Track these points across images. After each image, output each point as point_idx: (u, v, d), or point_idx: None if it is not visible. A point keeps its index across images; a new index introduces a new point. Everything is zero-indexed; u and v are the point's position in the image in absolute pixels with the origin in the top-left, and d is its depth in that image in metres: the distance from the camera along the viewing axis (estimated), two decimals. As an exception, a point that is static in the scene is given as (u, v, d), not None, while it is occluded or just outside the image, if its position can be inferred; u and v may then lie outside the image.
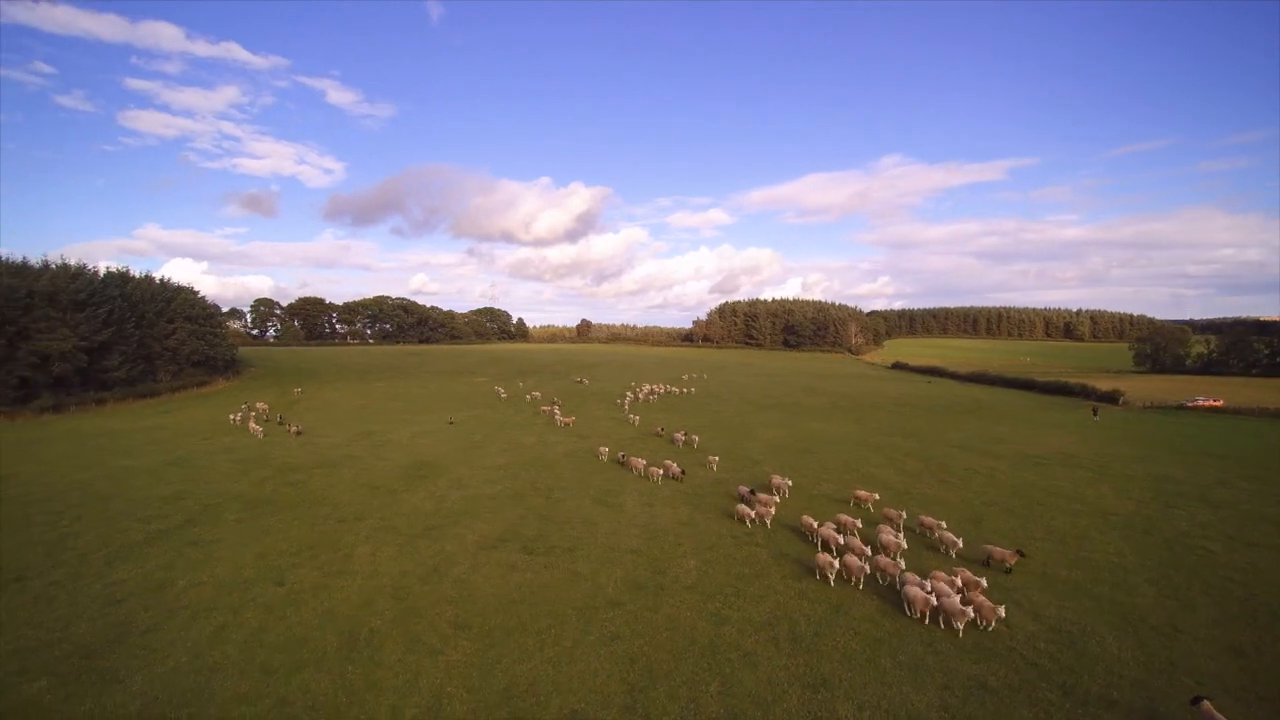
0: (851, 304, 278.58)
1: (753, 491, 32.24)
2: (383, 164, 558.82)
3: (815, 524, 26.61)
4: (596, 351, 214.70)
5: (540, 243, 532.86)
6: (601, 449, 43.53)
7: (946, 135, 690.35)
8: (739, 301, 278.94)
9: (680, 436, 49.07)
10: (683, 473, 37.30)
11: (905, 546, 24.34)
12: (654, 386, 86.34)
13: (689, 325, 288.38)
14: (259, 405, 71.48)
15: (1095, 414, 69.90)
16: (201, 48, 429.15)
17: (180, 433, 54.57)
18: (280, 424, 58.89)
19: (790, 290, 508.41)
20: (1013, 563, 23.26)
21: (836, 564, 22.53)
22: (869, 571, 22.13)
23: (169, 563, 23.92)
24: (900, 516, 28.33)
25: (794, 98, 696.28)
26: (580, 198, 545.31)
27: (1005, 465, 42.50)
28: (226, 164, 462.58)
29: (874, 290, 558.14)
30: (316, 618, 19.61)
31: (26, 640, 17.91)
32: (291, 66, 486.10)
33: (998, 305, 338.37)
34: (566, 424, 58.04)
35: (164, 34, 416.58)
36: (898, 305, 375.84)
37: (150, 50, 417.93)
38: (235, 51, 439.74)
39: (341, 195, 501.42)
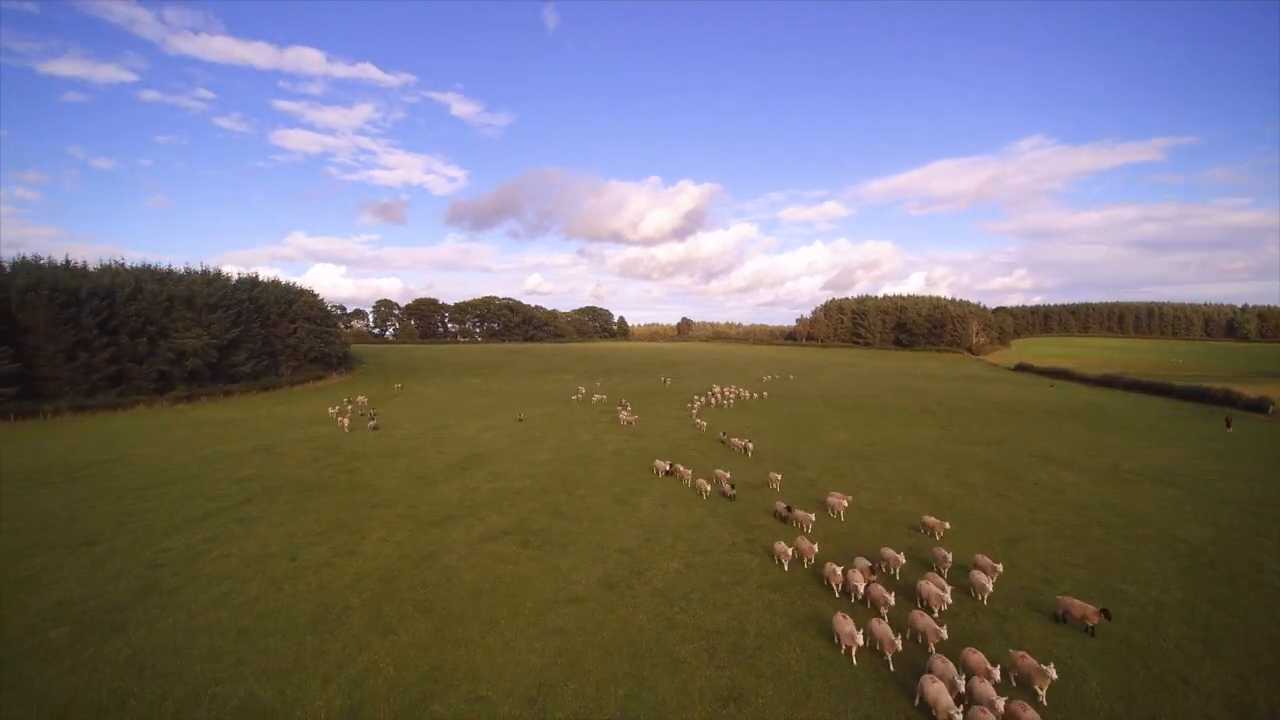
0: (983, 300, 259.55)
1: (789, 508, 29.57)
2: (500, 170, 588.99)
3: (839, 571, 21.69)
4: (692, 350, 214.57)
5: (648, 242, 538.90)
6: (658, 463, 39.76)
7: (1093, 112, 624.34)
8: (846, 298, 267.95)
9: (739, 442, 47.18)
10: (733, 491, 33.32)
11: (950, 602, 19.88)
12: (725, 389, 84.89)
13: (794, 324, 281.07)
14: (359, 399, 77.99)
15: (1228, 425, 60.79)
16: (340, 69, 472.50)
17: (283, 422, 60.63)
18: (361, 416, 63.76)
19: (913, 285, 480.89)
20: (1094, 623, 18.59)
21: (859, 637, 17.09)
22: (900, 648, 17.16)
23: (213, 536, 26.91)
24: (946, 560, 23.37)
25: (917, 81, 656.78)
26: (688, 195, 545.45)
27: (1085, 480, 38.18)
28: (363, 176, 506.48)
29: (1008, 284, 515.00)
30: (307, 591, 21.38)
31: (71, 594, 20.94)
32: (420, 83, 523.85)
33: (1149, 300, 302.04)
34: (630, 423, 58.65)
35: (308, 58, 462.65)
36: (1035, 300, 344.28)
37: (296, 74, 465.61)
38: (370, 71, 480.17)
39: (462, 201, 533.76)
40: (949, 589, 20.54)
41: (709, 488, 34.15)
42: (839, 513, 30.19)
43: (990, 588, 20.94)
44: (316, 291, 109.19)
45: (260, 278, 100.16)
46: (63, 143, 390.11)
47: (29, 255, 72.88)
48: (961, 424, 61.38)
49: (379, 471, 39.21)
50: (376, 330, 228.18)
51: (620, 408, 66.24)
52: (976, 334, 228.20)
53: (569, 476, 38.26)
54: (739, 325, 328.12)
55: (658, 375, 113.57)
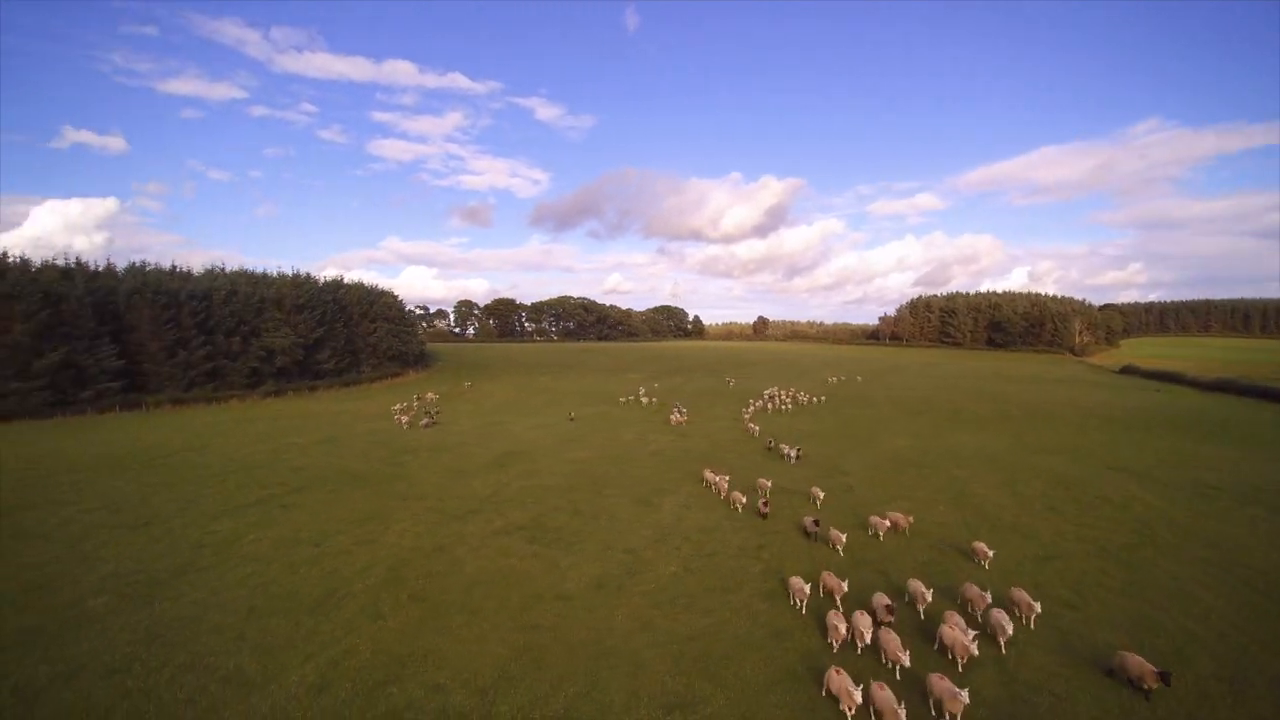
0: (1093, 296, 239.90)
1: (817, 523, 27.31)
2: (582, 172, 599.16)
3: (840, 628, 17.87)
4: (766, 350, 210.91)
5: (729, 239, 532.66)
6: (706, 472, 36.99)
7: (1216, 92, 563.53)
8: (934, 296, 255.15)
9: (787, 449, 44.50)
10: (767, 509, 30.24)
11: (975, 653, 16.97)
12: (785, 391, 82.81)
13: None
14: (428, 395, 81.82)
15: (1356, 438, 53.64)
16: (431, 80, 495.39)
17: (355, 417, 64.52)
18: (426, 412, 66.68)
19: (1015, 281, 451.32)
20: (1153, 686, 15.81)
21: (857, 695, 14.82)
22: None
23: (256, 521, 29.14)
24: (984, 599, 19.88)
25: (1018, 62, 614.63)
26: (771, 191, 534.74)
27: (1156, 494, 34.86)
28: (452, 181, 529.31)
29: (1122, 279, 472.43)
30: (319, 576, 22.82)
31: (120, 568, 23.32)
32: (506, 89, 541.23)
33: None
34: (680, 424, 58.49)
35: (401, 70, 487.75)
36: (1151, 297, 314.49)
37: (391, 86, 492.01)
38: (459, 81, 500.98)
39: (545, 203, 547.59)
40: (972, 634, 17.36)
41: (744, 500, 31.50)
42: (879, 533, 27.42)
43: (1011, 631, 17.86)
44: (397, 293, 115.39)
45: (345, 280, 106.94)
46: (182, 156, 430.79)
47: (138, 261, 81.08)
48: (1038, 431, 57.37)
49: (422, 465, 41.09)
50: (457, 329, 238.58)
51: (674, 409, 66.12)
52: (1080, 333, 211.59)
53: (601, 475, 38.73)
54: (820, 324, 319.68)
55: (723, 375, 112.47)
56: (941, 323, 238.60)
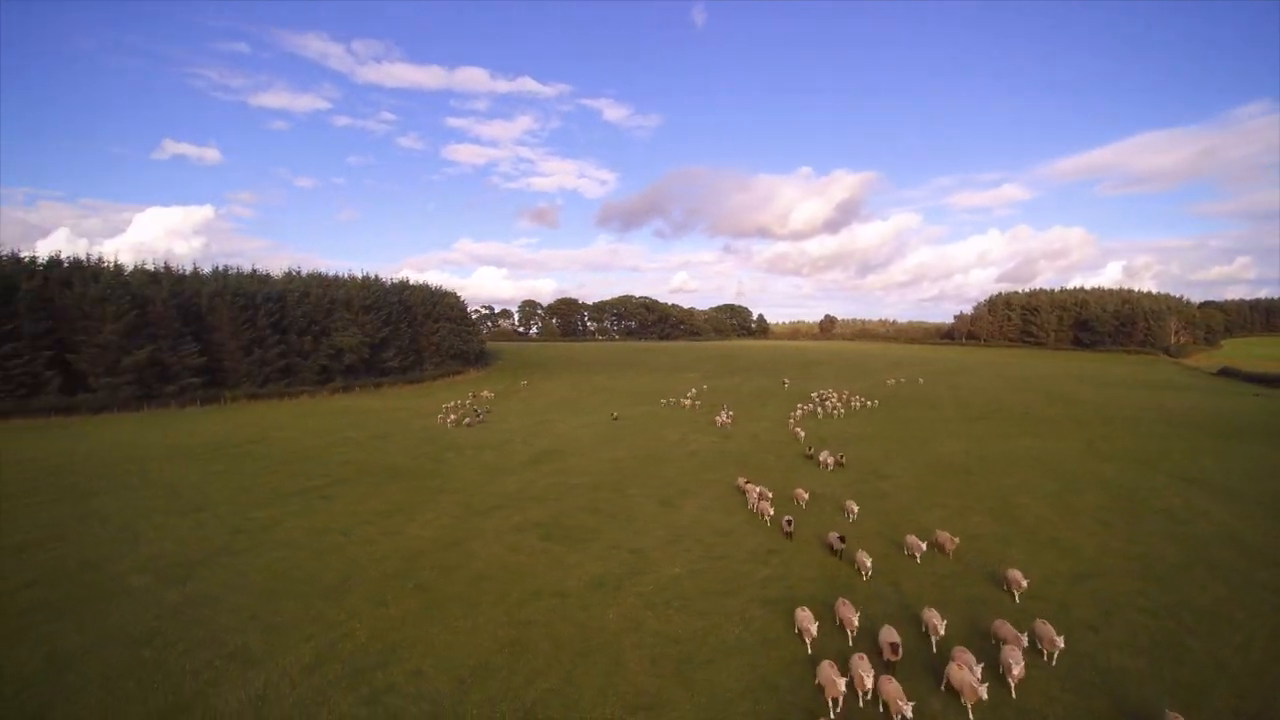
0: (1196, 293, 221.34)
1: (843, 539, 25.01)
2: (649, 170, 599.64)
3: (838, 682, 15.10)
4: (830, 349, 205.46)
5: (797, 236, 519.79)
6: (740, 480, 35.70)
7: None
8: (1015, 292, 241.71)
9: (827, 457, 41.93)
10: (790, 527, 27.33)
11: (985, 697, 14.97)
12: (840, 394, 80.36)
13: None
14: (484, 393, 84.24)
15: None
16: (502, 85, 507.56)
17: (412, 413, 67.24)
18: (474, 411, 68.55)
19: (1109, 277, 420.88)
20: None
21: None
22: None
23: (295, 510, 30.89)
24: (1020, 642, 17.04)
25: (1111, 41, 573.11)
26: (842, 185, 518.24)
27: (1227, 509, 31.86)
28: (522, 184, 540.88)
29: (1229, 274, 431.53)
30: (339, 563, 23.97)
31: (164, 549, 25.29)
32: (574, 91, 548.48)
33: None
34: (726, 424, 57.74)
35: (474, 77, 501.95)
36: (1261, 293, 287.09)
37: (464, 92, 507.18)
38: (529, 84, 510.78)
39: (611, 203, 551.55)
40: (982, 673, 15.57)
41: (771, 511, 29.55)
42: (915, 555, 24.75)
43: (1020, 673, 15.70)
44: (469, 293, 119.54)
45: (411, 281, 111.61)
46: (270, 165, 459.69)
47: (229, 265, 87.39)
48: (1110, 437, 53.49)
49: (462, 462, 42.39)
50: (521, 329, 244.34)
51: (721, 410, 65.33)
52: (1175, 333, 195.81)
53: (631, 474, 38.90)
54: (892, 322, 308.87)
55: (781, 376, 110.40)
56: (1023, 321, 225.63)
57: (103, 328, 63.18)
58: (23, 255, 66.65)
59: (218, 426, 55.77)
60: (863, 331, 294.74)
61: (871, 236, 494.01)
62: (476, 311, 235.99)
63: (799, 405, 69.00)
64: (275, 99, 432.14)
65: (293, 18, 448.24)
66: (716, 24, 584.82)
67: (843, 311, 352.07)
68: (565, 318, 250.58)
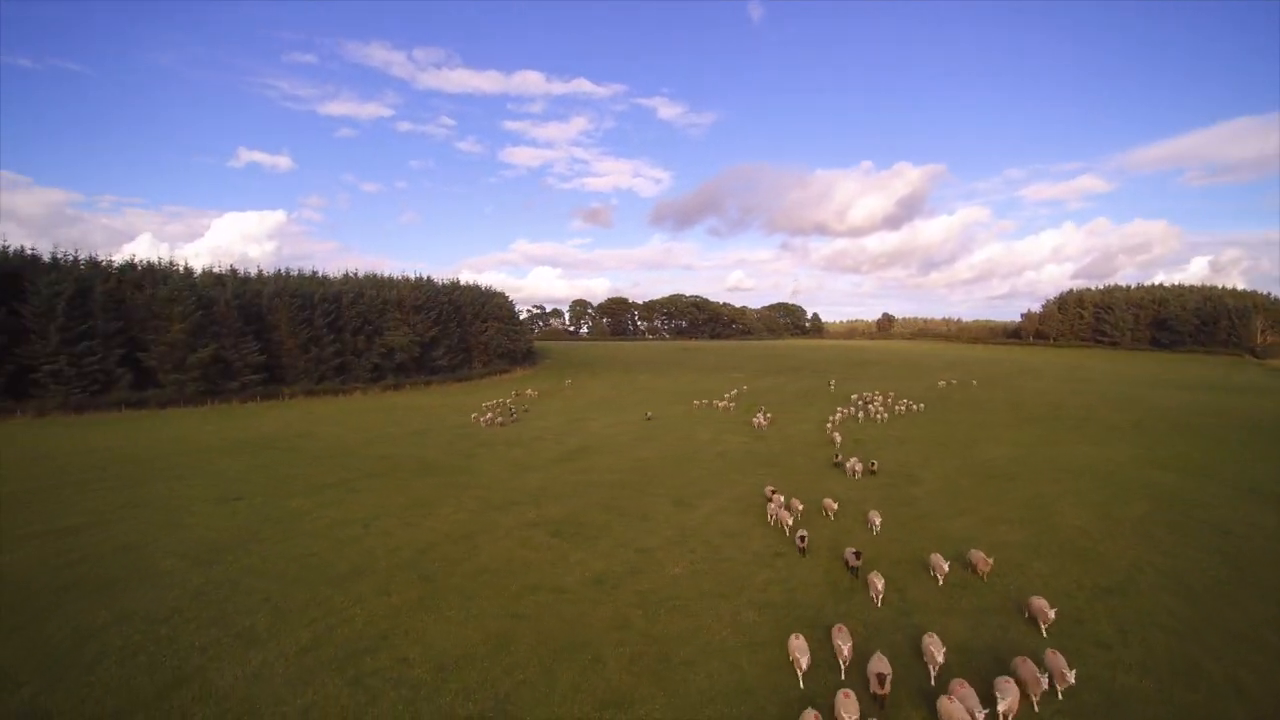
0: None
1: (859, 555, 23.11)
2: (704, 168, 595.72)
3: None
4: (885, 349, 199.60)
5: (857, 232, 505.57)
6: (768, 488, 32.94)
7: None
8: (1087, 289, 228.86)
9: (855, 465, 39.19)
10: (804, 543, 25.10)
11: None
12: (885, 396, 77.93)
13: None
14: (528, 391, 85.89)
15: None
16: (558, 87, 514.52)
17: (454, 410, 69.22)
18: (510, 410, 69.74)
19: (1195, 272, 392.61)
20: None
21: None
22: None
23: (326, 501, 32.33)
24: (1040, 684, 15.09)
25: (1197, 19, 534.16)
26: (905, 180, 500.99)
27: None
28: (576, 184, 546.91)
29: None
30: (355, 553, 24.96)
31: (197, 536, 26.94)
32: (629, 91, 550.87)
33: None
34: (762, 425, 57.00)
35: (530, 80, 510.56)
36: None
37: (520, 95, 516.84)
38: (583, 86, 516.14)
39: (665, 201, 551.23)
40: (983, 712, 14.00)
41: (790, 521, 28.05)
42: (940, 576, 22.45)
43: (1005, 708, 14.36)
44: (525, 293, 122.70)
45: (461, 282, 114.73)
46: (338, 171, 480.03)
47: (299, 267, 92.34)
48: (1176, 443, 50.02)
49: (492, 458, 43.37)
50: (572, 328, 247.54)
51: (758, 411, 64.26)
52: (1261, 332, 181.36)
53: (655, 473, 38.95)
54: (957, 321, 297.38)
55: (829, 376, 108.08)
56: (1096, 320, 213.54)
57: (171, 327, 67.69)
58: (100, 259, 72.26)
59: (271, 422, 58.87)
60: (922, 330, 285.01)
61: (936, 232, 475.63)
62: (529, 311, 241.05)
63: (839, 408, 67.06)
64: (342, 107, 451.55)
65: (358, 29, 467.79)
66: (773, 19, 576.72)
67: (905, 310, 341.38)
68: (615, 317, 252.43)
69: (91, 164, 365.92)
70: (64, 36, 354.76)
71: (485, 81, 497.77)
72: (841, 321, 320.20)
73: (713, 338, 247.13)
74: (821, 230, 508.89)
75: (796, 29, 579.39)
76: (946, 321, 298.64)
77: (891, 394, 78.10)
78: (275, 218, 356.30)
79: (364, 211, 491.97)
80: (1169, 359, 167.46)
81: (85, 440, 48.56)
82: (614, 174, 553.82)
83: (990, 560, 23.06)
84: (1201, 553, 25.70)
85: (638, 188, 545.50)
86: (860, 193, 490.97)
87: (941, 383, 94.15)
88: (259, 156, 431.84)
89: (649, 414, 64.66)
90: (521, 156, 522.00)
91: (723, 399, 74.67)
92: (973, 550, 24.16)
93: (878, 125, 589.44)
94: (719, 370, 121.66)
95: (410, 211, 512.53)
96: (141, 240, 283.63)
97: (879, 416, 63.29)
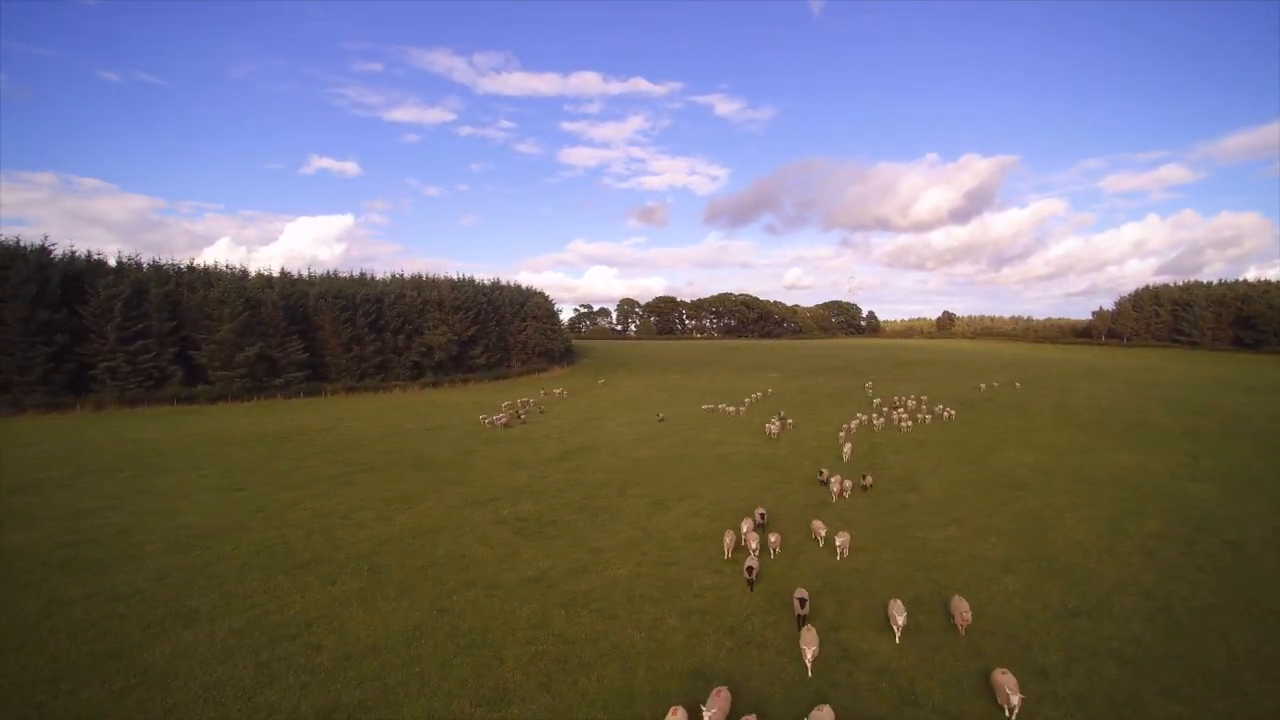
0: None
1: (804, 603, 19.24)
2: (762, 164, 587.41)
3: None
4: (941, 349, 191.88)
5: (920, 227, 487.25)
6: (757, 510, 28.44)
7: None
8: (1165, 286, 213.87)
9: (842, 485, 34.46)
10: (752, 578, 22.25)
11: None
12: (913, 399, 75.10)
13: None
14: (557, 391, 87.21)
15: None
16: (614, 87, 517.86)
17: (480, 407, 70.95)
18: (517, 414, 70.63)
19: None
20: None
21: None
22: None
23: (317, 493, 34.12)
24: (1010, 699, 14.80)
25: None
26: (972, 172, 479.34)
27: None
28: (633, 183, 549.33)
29: None
30: (321, 544, 26.31)
31: (187, 522, 29.10)
32: (685, 89, 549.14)
33: None
34: (773, 432, 54.59)
35: (587, 81, 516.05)
36: None
37: (578, 97, 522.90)
38: (640, 85, 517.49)
39: (719, 199, 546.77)
40: None
41: (754, 545, 24.88)
42: (896, 630, 18.72)
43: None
44: (582, 292, 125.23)
45: (502, 282, 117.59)
46: (402, 176, 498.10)
47: (364, 269, 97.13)
48: (1223, 452, 46.14)
49: (491, 455, 44.47)
50: (619, 327, 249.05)
51: (775, 416, 61.43)
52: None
53: (644, 474, 39.08)
54: (1027, 319, 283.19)
55: (866, 376, 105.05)
56: (1173, 318, 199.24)
57: (220, 327, 72.38)
58: (161, 263, 78.12)
59: (303, 416, 62.19)
60: (986, 329, 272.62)
61: (1007, 226, 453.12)
62: (575, 310, 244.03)
63: (859, 414, 63.87)
64: (406, 114, 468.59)
65: (421, 37, 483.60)
66: (835, 12, 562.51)
67: (975, 308, 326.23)
68: (663, 316, 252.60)
69: (173, 171, 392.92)
70: (147, 52, 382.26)
71: (543, 84, 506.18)
72: (901, 320, 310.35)
73: (763, 336, 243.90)
74: (884, 225, 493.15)
75: (858, 21, 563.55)
76: (1014, 320, 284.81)
77: (925, 397, 75.26)
78: (343, 221, 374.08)
79: (426, 214, 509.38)
80: (1249, 360, 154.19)
81: (129, 432, 52.65)
82: (670, 172, 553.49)
83: (968, 615, 19.05)
84: (1203, 574, 23.83)
85: (694, 185, 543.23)
86: (925, 186, 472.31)
87: (983, 385, 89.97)
88: (328, 163, 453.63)
89: (661, 415, 64.46)
90: (579, 157, 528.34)
91: (743, 402, 72.55)
92: (955, 598, 20.06)
93: (944, 117, 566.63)
94: (756, 369, 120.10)
95: (471, 214, 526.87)
96: (220, 244, 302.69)
97: (903, 424, 58.16)
